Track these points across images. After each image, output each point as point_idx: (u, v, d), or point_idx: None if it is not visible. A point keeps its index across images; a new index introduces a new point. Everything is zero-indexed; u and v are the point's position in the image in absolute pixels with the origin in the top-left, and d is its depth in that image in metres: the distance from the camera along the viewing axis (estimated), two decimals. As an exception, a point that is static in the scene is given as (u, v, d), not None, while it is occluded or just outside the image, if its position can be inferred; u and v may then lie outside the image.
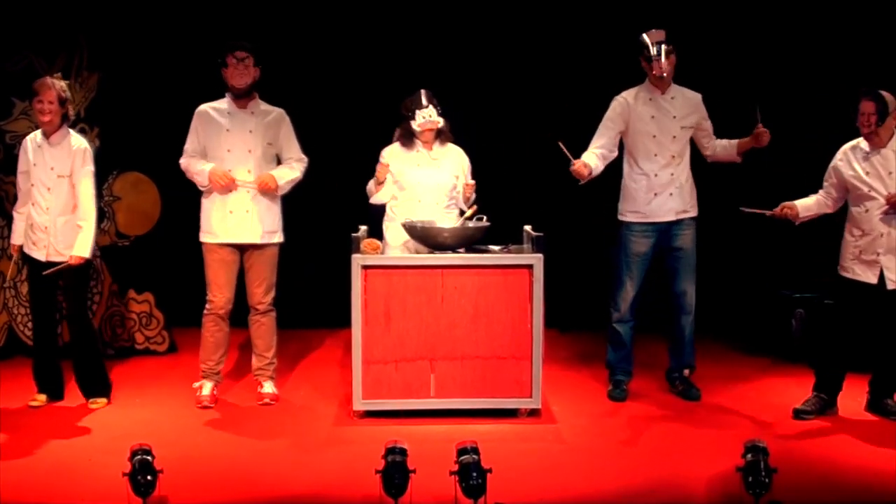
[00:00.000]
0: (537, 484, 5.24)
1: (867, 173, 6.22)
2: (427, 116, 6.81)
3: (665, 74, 6.58)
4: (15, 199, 6.78)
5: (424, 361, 6.26)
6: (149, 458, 4.71)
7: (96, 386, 6.69)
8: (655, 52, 6.53)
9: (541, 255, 6.23)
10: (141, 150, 7.82)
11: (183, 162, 6.68)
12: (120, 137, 7.88)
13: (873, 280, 6.23)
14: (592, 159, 6.61)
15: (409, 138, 6.93)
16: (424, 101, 6.83)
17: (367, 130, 8.29)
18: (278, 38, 8.58)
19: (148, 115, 7.94)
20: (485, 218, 6.56)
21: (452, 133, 7.05)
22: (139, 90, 8.10)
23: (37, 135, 6.57)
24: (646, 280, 6.80)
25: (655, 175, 6.66)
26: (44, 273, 6.46)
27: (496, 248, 6.49)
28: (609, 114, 6.73)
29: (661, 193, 6.67)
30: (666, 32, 6.54)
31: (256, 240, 6.63)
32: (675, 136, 6.67)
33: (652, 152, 6.66)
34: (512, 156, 8.68)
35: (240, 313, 6.84)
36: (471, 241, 6.45)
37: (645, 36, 6.57)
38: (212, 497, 5.14)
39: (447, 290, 6.24)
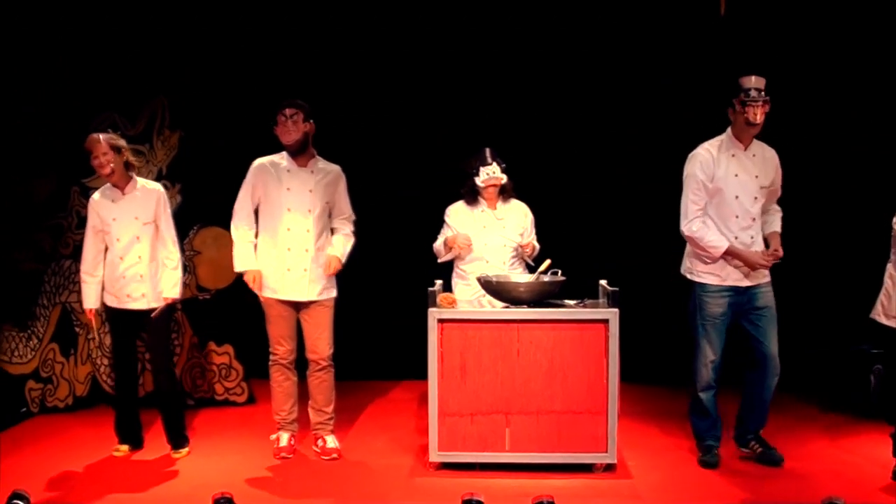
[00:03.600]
0: (614, 539, 5.25)
1: None
2: (491, 173, 6.90)
3: (759, 122, 6.14)
4: None
5: (500, 415, 6.29)
6: (231, 507, 4.82)
7: (181, 436, 6.83)
8: (754, 96, 6.10)
9: (616, 310, 6.24)
10: (221, 206, 7.97)
11: (234, 231, 6.66)
12: (201, 193, 8.07)
13: None
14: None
15: (473, 196, 7.04)
16: (489, 158, 6.93)
17: (438, 184, 8.45)
18: (354, 95, 8.78)
19: (227, 171, 8.08)
20: (560, 272, 6.60)
21: (523, 188, 7.12)
22: (219, 147, 8.27)
23: (104, 191, 6.65)
24: (728, 343, 6.44)
25: (735, 238, 6.27)
26: (152, 316, 6.58)
27: (571, 302, 6.52)
28: (695, 170, 6.29)
29: None
30: (766, 82, 6.16)
31: (314, 297, 6.63)
32: (756, 198, 6.30)
33: (734, 213, 6.28)
34: (586, 210, 8.72)
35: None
36: (546, 295, 6.49)
37: (744, 80, 6.16)
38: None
39: (523, 344, 6.28)
